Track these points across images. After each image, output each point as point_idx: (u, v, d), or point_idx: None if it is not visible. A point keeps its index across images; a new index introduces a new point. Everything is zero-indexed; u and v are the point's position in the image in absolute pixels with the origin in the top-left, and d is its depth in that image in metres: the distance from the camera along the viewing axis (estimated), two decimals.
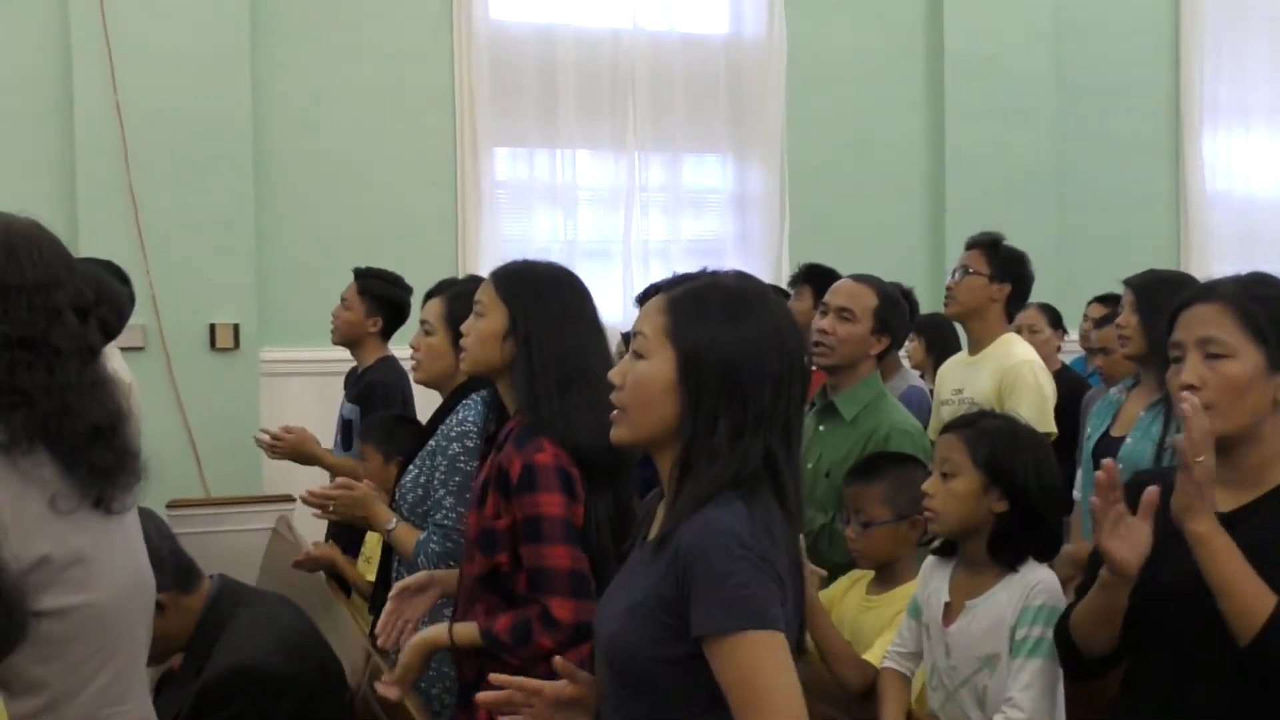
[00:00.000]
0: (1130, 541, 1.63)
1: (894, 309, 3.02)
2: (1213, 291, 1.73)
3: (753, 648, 1.43)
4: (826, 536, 2.79)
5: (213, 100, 5.19)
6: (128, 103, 5.06)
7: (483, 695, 1.65)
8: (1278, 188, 7.33)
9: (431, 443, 2.67)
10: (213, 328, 5.28)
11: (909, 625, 2.30)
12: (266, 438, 3.79)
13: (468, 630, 2.12)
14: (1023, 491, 2.08)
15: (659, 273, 6.12)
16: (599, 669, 1.63)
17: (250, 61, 5.31)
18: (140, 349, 5.14)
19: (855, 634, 2.45)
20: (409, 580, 2.31)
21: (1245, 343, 1.68)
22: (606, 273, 6.10)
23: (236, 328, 5.31)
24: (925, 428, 3.74)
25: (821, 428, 3.00)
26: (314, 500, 2.74)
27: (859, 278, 3.11)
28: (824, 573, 2.47)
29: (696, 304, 1.55)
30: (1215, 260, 7.13)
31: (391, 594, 2.27)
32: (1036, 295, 6.47)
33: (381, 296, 4.15)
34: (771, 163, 6.30)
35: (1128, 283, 3.33)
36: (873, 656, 2.33)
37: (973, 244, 3.61)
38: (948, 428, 2.24)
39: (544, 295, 2.19)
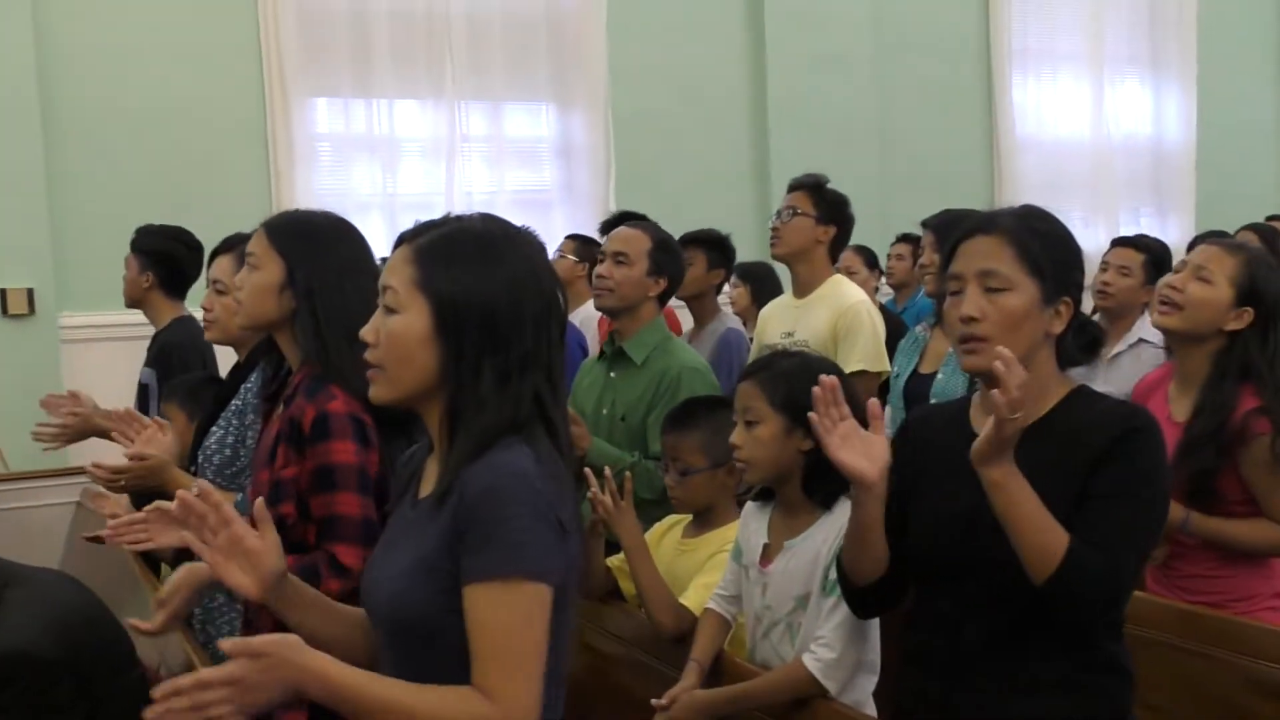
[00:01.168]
0: (865, 452, 1.65)
1: (668, 251, 3.10)
2: (992, 224, 1.74)
3: (516, 596, 1.39)
4: (640, 473, 2.79)
5: None
6: None
7: (150, 714, 1.42)
8: (1082, 132, 7.64)
9: (237, 401, 2.55)
10: (3, 293, 4.95)
11: (731, 568, 2.29)
12: (49, 431, 3.48)
13: None
14: None
15: None
16: (375, 631, 1.56)
17: (30, 6, 4.94)
18: None
19: (671, 578, 2.44)
20: (169, 505, 2.14)
21: (1023, 276, 1.70)
22: None
23: (30, 292, 4.99)
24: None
25: (613, 374, 3.07)
26: (103, 474, 2.57)
27: (633, 223, 3.21)
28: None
29: (445, 250, 1.49)
30: (1024, 200, 7.38)
31: (148, 507, 2.10)
32: (857, 239, 6.67)
33: (152, 251, 3.89)
34: (595, 112, 6.23)
35: (926, 224, 3.42)
36: (688, 600, 2.33)
37: (797, 185, 3.61)
38: (743, 376, 2.23)
39: (321, 245, 2.12)
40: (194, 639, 2.41)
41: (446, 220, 1.54)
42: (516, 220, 5.82)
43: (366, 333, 1.51)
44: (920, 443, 1.87)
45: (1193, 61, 7.82)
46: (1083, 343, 1.79)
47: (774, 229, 3.53)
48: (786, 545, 2.15)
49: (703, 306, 4.09)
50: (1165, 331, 2.59)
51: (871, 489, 1.69)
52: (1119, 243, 3.88)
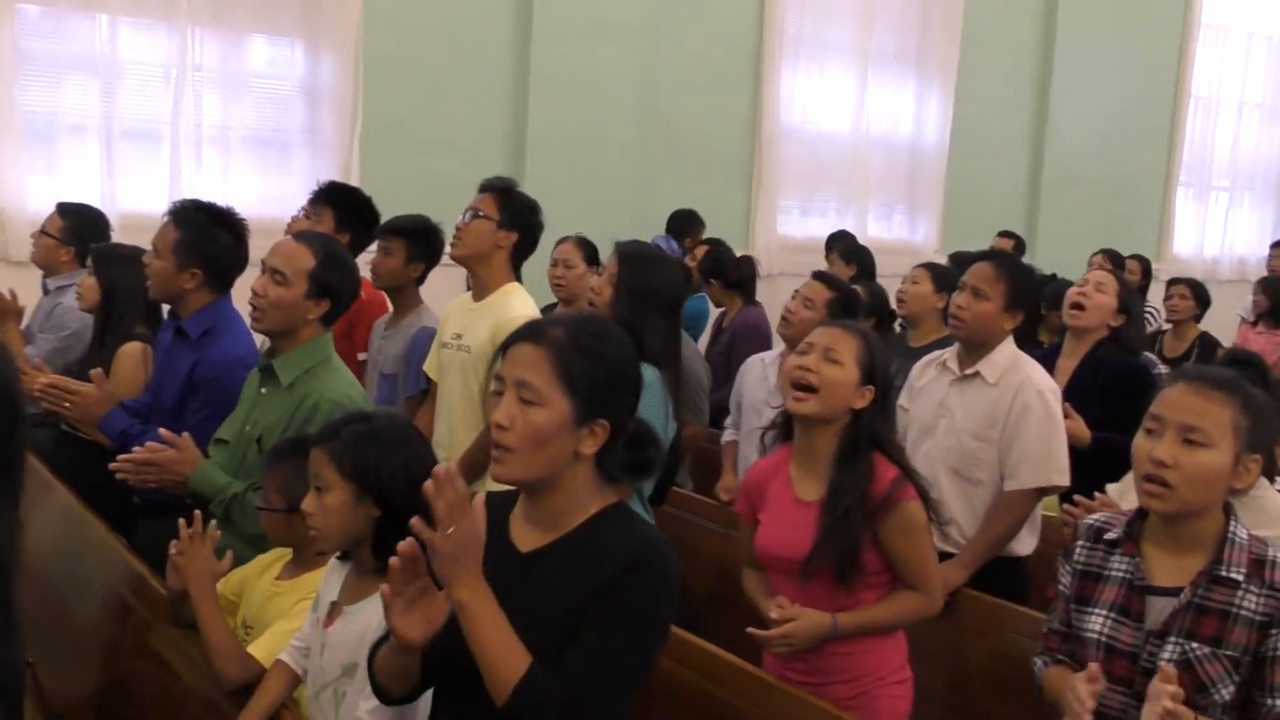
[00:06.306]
0: (425, 618, 1.59)
1: (334, 268, 2.75)
2: (541, 335, 1.69)
3: None
4: (238, 506, 2.64)
5: None
6: None
7: None
8: (843, 125, 7.78)
9: None
10: None
11: (310, 619, 2.22)
12: None
13: None
14: (392, 495, 2.04)
15: (212, 160, 5.70)
16: None
17: None
18: None
19: (260, 619, 2.35)
20: None
21: (558, 393, 1.66)
22: (154, 157, 5.61)
23: None
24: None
25: (263, 390, 2.82)
26: None
27: (300, 236, 2.84)
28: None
29: None
30: (783, 188, 7.53)
31: None
32: (615, 213, 6.60)
33: None
34: (346, 55, 5.96)
35: (619, 247, 3.31)
36: (257, 648, 2.24)
37: (485, 187, 3.48)
38: (314, 440, 2.14)
39: None
40: None
41: None
42: (251, 160, 5.44)
43: None
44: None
45: (954, 65, 8.06)
46: (630, 461, 1.77)
47: (456, 228, 3.43)
48: (346, 610, 2.09)
49: (402, 300, 3.93)
50: (801, 418, 2.57)
51: (415, 652, 1.62)
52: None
